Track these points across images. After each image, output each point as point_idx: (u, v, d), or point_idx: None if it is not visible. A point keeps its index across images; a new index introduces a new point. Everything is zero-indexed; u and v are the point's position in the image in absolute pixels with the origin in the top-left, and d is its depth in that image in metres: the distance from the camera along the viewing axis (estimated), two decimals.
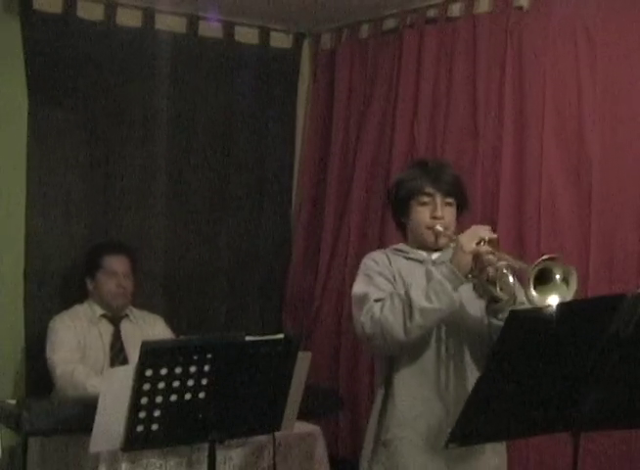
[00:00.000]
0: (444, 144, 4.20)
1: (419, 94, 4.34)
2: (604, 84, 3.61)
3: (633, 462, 3.41)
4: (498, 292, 2.61)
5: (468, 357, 2.78)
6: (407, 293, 2.65)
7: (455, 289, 2.61)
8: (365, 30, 4.76)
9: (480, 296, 2.70)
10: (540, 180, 3.78)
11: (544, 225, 3.76)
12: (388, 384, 2.81)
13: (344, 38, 4.87)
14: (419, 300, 2.61)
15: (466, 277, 2.63)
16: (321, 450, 3.73)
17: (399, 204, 2.89)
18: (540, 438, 3.29)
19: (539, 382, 2.25)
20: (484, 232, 2.65)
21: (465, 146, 4.10)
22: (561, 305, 2.34)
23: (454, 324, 2.75)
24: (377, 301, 2.72)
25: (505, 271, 2.59)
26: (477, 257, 2.61)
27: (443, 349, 2.77)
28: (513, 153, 3.91)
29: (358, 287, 2.82)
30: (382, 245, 4.36)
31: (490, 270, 2.61)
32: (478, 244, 2.61)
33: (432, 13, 4.36)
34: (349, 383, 4.53)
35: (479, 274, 2.63)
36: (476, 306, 2.75)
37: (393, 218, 2.99)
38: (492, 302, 2.68)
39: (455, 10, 4.26)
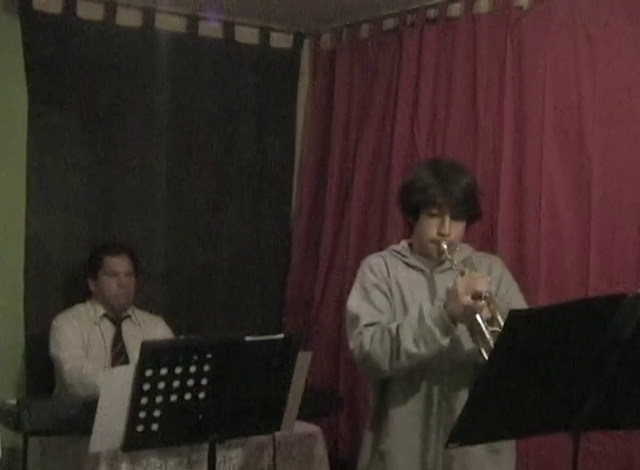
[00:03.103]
0: (444, 144, 4.20)
1: (419, 94, 4.34)
2: (604, 84, 3.61)
3: (633, 462, 3.41)
4: (485, 353, 2.52)
5: (462, 374, 2.74)
6: (398, 332, 2.63)
7: (446, 335, 2.59)
8: (365, 30, 4.76)
9: (472, 338, 2.63)
10: (540, 180, 3.77)
11: (544, 225, 3.75)
12: (383, 395, 2.81)
13: (344, 38, 4.87)
14: (407, 343, 2.61)
15: (455, 321, 2.59)
16: (321, 451, 3.74)
17: (409, 207, 2.83)
18: (540, 438, 3.29)
19: (539, 382, 2.24)
20: (483, 285, 2.57)
21: (465, 146, 4.10)
22: (561, 306, 2.33)
23: (450, 356, 2.71)
24: (368, 325, 2.70)
25: (492, 343, 2.48)
26: (470, 310, 2.56)
27: (439, 372, 2.74)
28: (513, 153, 3.90)
29: (353, 302, 2.81)
30: (382, 245, 4.37)
31: (481, 328, 2.55)
32: (474, 298, 2.55)
33: (432, 13, 4.36)
34: (349, 383, 4.53)
35: (470, 324, 2.60)
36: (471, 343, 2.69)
37: (402, 216, 2.95)
38: None
39: (455, 10, 4.26)
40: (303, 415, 3.00)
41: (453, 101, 4.18)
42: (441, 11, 4.29)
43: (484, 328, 2.53)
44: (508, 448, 2.81)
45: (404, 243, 2.92)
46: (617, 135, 3.58)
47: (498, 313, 2.55)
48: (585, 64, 3.67)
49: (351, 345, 2.75)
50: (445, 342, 2.60)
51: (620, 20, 3.59)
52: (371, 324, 2.71)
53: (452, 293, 2.59)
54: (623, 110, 3.56)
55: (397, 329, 2.64)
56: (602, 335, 2.21)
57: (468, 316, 2.58)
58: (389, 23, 4.60)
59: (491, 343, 2.49)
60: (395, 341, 2.63)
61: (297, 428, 3.00)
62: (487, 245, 3.86)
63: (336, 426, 4.49)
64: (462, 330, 2.66)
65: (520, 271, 3.75)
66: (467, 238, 2.96)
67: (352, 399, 4.45)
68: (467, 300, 2.55)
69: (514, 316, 2.20)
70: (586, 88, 3.66)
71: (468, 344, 2.69)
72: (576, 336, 2.20)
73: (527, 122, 3.86)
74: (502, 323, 2.50)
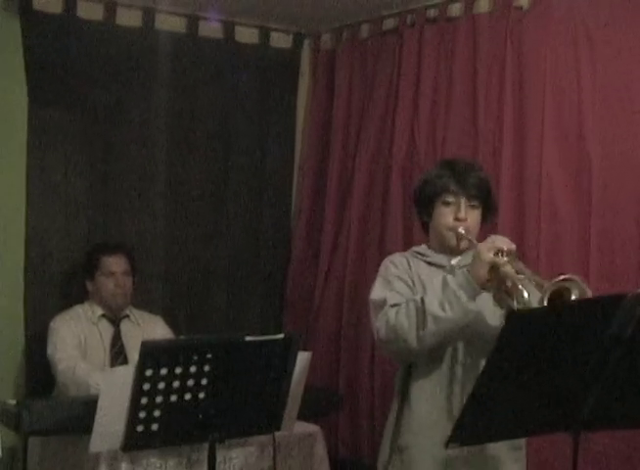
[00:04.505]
0: (444, 144, 4.20)
1: (419, 94, 4.34)
2: (604, 84, 3.61)
3: (633, 462, 3.41)
4: (514, 305, 2.53)
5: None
6: (422, 299, 2.63)
7: (471, 299, 2.58)
8: (365, 30, 4.76)
9: (500, 306, 2.65)
10: (540, 180, 3.77)
11: (544, 225, 3.75)
12: (405, 390, 2.80)
13: (344, 38, 4.87)
14: (432, 307, 2.59)
15: (483, 287, 2.59)
16: (321, 450, 3.74)
17: (423, 202, 2.85)
18: (540, 438, 3.30)
19: (539, 382, 2.25)
20: (503, 243, 2.60)
21: (465, 146, 4.10)
22: (561, 306, 2.34)
23: (474, 333, 2.71)
24: (393, 306, 2.69)
25: (520, 287, 2.51)
26: (494, 267, 2.56)
27: (461, 358, 2.75)
28: (513, 153, 3.90)
29: (376, 291, 2.80)
30: (382, 244, 4.38)
31: (508, 282, 2.56)
32: (496, 254, 2.57)
33: (432, 13, 4.36)
34: (349, 383, 4.53)
35: (496, 285, 2.59)
36: (496, 316, 2.70)
37: (418, 218, 2.96)
38: None
39: (455, 10, 4.26)
40: (303, 415, 3.00)
41: (453, 101, 4.18)
42: (441, 11, 4.29)
43: (511, 276, 2.52)
44: (524, 446, 2.83)
45: (424, 245, 2.92)
46: (616, 135, 3.58)
47: (522, 266, 2.56)
48: (585, 64, 3.67)
49: (377, 324, 2.72)
50: (472, 306, 2.58)
51: (620, 20, 3.59)
52: (397, 305, 2.69)
53: (475, 255, 2.60)
54: (623, 109, 3.56)
55: (422, 298, 2.63)
56: (602, 335, 2.21)
57: (492, 279, 2.57)
58: (389, 23, 4.60)
59: (520, 286, 2.49)
60: (421, 308, 2.61)
61: (297, 428, 3.00)
62: None
63: (336, 426, 4.48)
64: (487, 310, 2.67)
65: None
66: None
67: (352, 399, 4.45)
68: (489, 256, 2.56)
69: (514, 316, 2.20)
70: (586, 88, 3.66)
71: (493, 321, 2.69)
72: (577, 336, 2.20)
73: (527, 122, 3.86)
74: (527, 273, 2.53)
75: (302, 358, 2.74)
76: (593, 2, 3.67)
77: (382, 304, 2.73)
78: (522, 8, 3.95)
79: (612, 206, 3.58)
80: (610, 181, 3.59)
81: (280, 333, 2.69)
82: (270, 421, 2.77)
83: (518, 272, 2.55)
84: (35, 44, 4.29)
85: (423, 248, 2.90)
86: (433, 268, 2.83)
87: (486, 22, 4.07)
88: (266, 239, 4.99)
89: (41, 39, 4.30)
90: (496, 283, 2.59)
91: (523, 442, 2.80)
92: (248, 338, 2.59)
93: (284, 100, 5.03)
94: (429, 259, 2.85)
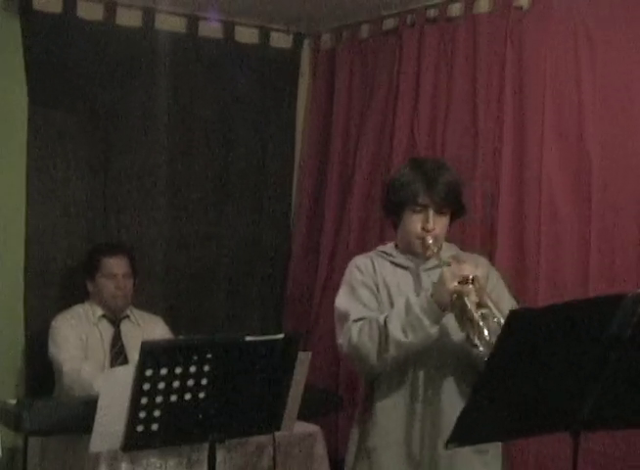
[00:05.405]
0: (444, 144, 4.20)
1: (419, 94, 4.34)
2: (604, 84, 3.61)
3: (633, 462, 3.41)
4: (475, 339, 2.52)
5: (449, 373, 2.76)
6: (385, 322, 2.64)
7: (434, 323, 2.59)
8: (365, 30, 4.77)
9: (461, 329, 2.63)
10: (540, 180, 3.77)
11: (544, 225, 3.75)
12: (371, 393, 2.82)
13: (344, 38, 4.87)
14: (396, 332, 2.61)
15: (446, 310, 2.59)
16: (321, 450, 3.74)
17: (392, 206, 2.86)
18: (540, 438, 3.30)
19: (539, 382, 2.25)
20: (469, 270, 2.59)
21: (465, 146, 4.10)
22: (561, 305, 2.33)
23: (436, 347, 2.72)
24: (357, 320, 2.71)
25: (481, 324, 2.50)
26: (458, 295, 2.56)
27: (425, 363, 2.76)
28: (513, 153, 3.90)
29: (341, 300, 2.82)
30: (382, 244, 4.37)
31: (469, 315, 2.55)
32: (460, 282, 2.56)
33: (431, 13, 4.36)
34: (349, 383, 4.53)
35: (459, 308, 2.58)
36: (459, 333, 2.68)
37: (387, 216, 2.97)
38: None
39: (455, 10, 4.26)
40: (303, 415, 2.99)
41: (453, 101, 4.18)
42: (441, 11, 4.29)
43: (473, 311, 2.52)
44: (494, 449, 2.81)
45: (391, 244, 2.93)
46: (616, 135, 3.58)
47: (486, 297, 2.56)
48: (585, 64, 3.67)
49: (340, 340, 2.77)
50: (434, 331, 2.61)
51: (620, 20, 3.59)
52: (360, 319, 2.72)
53: (439, 280, 2.60)
54: (623, 109, 3.56)
55: (385, 320, 2.65)
56: (602, 335, 2.21)
57: (456, 303, 2.57)
58: (389, 23, 4.60)
59: (481, 324, 2.49)
60: (384, 332, 2.63)
61: (297, 428, 2.99)
62: (487, 245, 3.86)
63: (336, 426, 4.48)
64: (450, 324, 2.67)
65: (519, 272, 3.75)
66: (466, 238, 2.95)
67: (352, 399, 4.44)
68: (453, 285, 2.56)
69: (514, 316, 2.20)
70: (586, 88, 3.66)
71: (456, 336, 2.70)
72: (576, 336, 2.20)
73: (527, 122, 3.86)
74: (491, 306, 2.52)
75: (302, 358, 2.73)
76: (593, 2, 3.67)
77: (345, 316, 2.76)
78: (522, 8, 3.95)
79: (612, 206, 3.57)
80: (610, 181, 3.59)
81: (280, 333, 2.69)
82: (270, 421, 2.76)
83: (480, 305, 2.54)
84: (35, 44, 4.30)
85: (389, 247, 2.91)
86: (398, 269, 2.85)
87: (486, 22, 4.07)
88: (266, 239, 4.99)
89: (41, 39, 4.30)
90: (459, 306, 2.58)
91: (490, 445, 2.77)
92: (248, 338, 2.59)
93: (284, 100, 5.04)
94: (394, 260, 2.87)
